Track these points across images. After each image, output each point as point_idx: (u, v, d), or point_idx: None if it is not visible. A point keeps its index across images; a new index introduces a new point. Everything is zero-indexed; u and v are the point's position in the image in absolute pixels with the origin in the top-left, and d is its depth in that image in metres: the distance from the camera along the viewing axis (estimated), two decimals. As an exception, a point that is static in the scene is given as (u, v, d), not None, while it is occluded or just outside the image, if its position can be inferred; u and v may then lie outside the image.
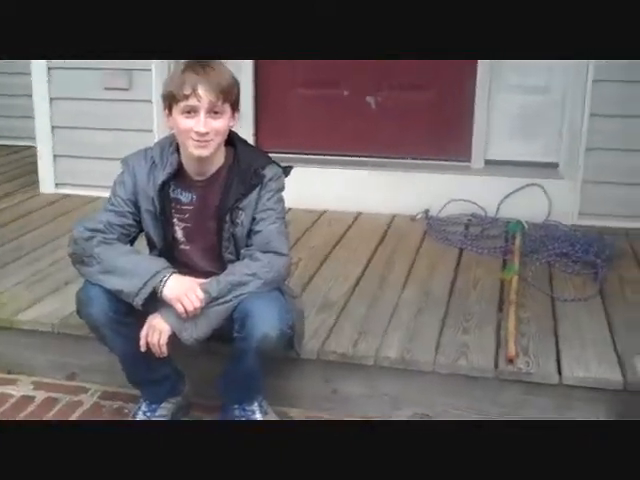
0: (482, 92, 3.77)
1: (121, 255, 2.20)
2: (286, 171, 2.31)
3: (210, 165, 2.25)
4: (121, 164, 2.32)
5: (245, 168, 2.24)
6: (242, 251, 2.25)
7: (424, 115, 3.90)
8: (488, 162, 3.84)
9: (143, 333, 2.16)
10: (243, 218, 2.24)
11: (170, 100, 2.16)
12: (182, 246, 2.31)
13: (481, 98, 3.77)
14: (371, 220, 3.71)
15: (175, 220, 2.29)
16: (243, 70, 3.81)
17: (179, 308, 2.11)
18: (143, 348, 2.16)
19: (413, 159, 3.93)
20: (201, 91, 2.11)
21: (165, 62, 3.84)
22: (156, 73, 3.88)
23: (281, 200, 2.29)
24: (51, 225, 3.71)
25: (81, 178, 4.15)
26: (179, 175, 2.26)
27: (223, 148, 2.26)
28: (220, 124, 2.16)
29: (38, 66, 4.06)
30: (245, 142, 2.34)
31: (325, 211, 3.83)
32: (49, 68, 4.04)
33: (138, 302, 2.13)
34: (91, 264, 2.20)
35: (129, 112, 4.00)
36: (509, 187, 3.67)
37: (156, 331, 2.14)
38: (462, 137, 3.84)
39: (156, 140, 3.80)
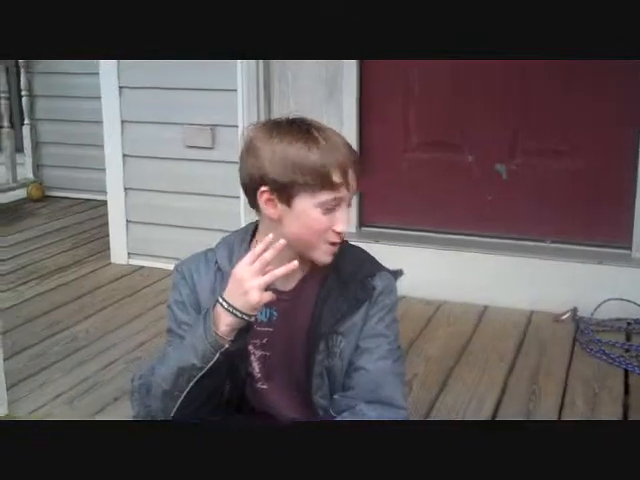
0: (645, 161, 3.01)
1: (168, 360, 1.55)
2: (395, 276, 1.65)
3: (298, 270, 1.56)
4: (174, 273, 1.66)
5: (348, 277, 1.59)
6: (336, 398, 1.57)
7: (570, 188, 3.14)
8: (653, 250, 3.06)
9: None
10: (343, 346, 1.57)
11: (302, 189, 1.50)
12: (259, 384, 1.64)
13: (644, 169, 3.01)
14: (502, 317, 2.97)
15: (250, 347, 1.62)
16: (345, 128, 3.18)
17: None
18: None
19: (555, 243, 3.18)
20: (351, 177, 1.53)
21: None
22: (244, 129, 3.29)
23: (395, 321, 1.63)
24: (115, 308, 3.16)
25: (156, 248, 3.59)
26: None
27: None
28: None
29: (110, 116, 3.54)
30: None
31: (443, 302, 3.11)
32: (123, 121, 3.51)
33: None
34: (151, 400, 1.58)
35: (212, 174, 3.41)
36: (682, 284, 2.88)
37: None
38: (619, 218, 3.07)
39: (242, 208, 3.28)
